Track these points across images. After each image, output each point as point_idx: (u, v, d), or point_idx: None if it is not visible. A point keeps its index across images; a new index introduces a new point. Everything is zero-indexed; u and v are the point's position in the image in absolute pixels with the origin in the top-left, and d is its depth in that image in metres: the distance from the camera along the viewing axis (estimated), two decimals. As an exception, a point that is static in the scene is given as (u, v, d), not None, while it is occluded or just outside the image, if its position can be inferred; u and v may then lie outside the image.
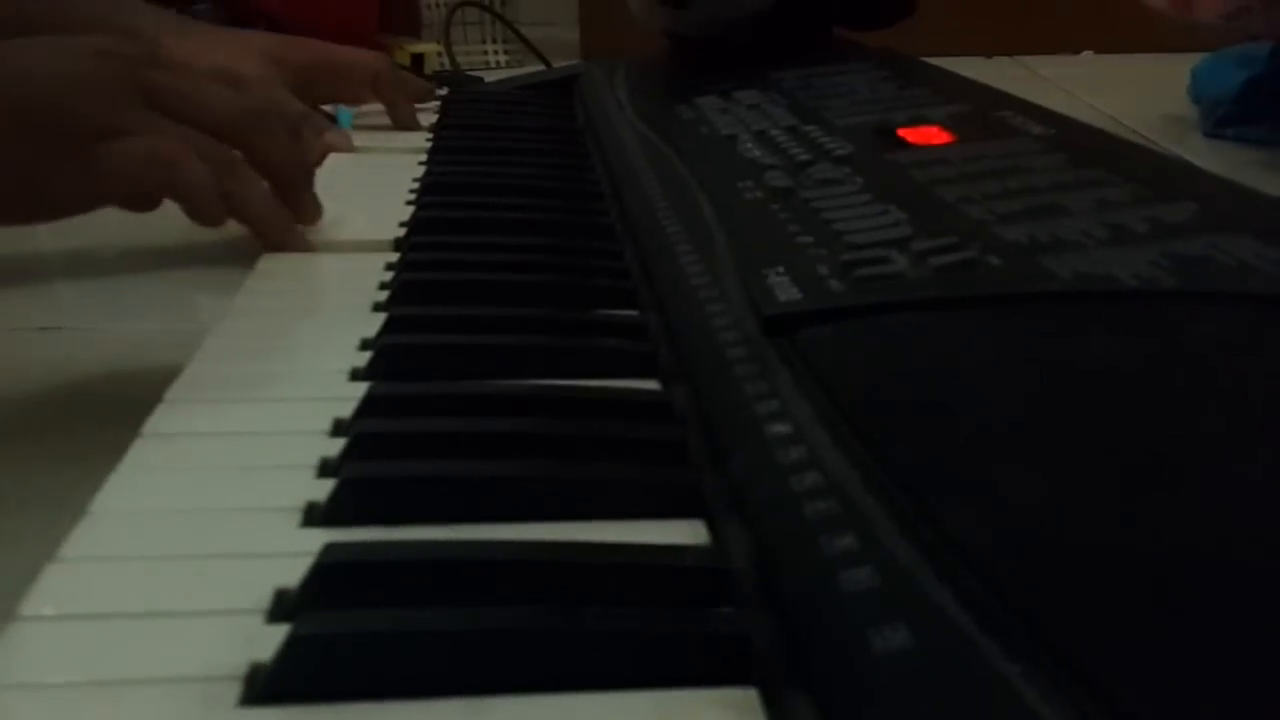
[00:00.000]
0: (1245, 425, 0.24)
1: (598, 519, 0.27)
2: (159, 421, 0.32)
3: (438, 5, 1.32)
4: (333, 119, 0.79)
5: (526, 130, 0.72)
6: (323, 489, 0.28)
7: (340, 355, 0.37)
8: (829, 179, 0.43)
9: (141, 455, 0.31)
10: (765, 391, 0.28)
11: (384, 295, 0.43)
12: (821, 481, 0.24)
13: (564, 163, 0.63)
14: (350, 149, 0.69)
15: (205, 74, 0.51)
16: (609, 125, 0.64)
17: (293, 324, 0.42)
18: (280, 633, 0.22)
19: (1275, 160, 0.80)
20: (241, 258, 0.50)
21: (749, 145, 0.50)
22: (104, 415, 0.37)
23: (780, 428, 0.27)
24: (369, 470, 0.29)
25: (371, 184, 0.62)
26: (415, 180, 0.60)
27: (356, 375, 0.36)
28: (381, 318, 0.39)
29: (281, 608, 0.24)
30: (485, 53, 1.31)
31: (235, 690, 0.22)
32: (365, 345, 0.38)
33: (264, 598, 0.24)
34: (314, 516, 0.27)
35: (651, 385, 0.35)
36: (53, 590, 0.24)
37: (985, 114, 0.50)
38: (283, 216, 0.50)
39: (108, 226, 0.52)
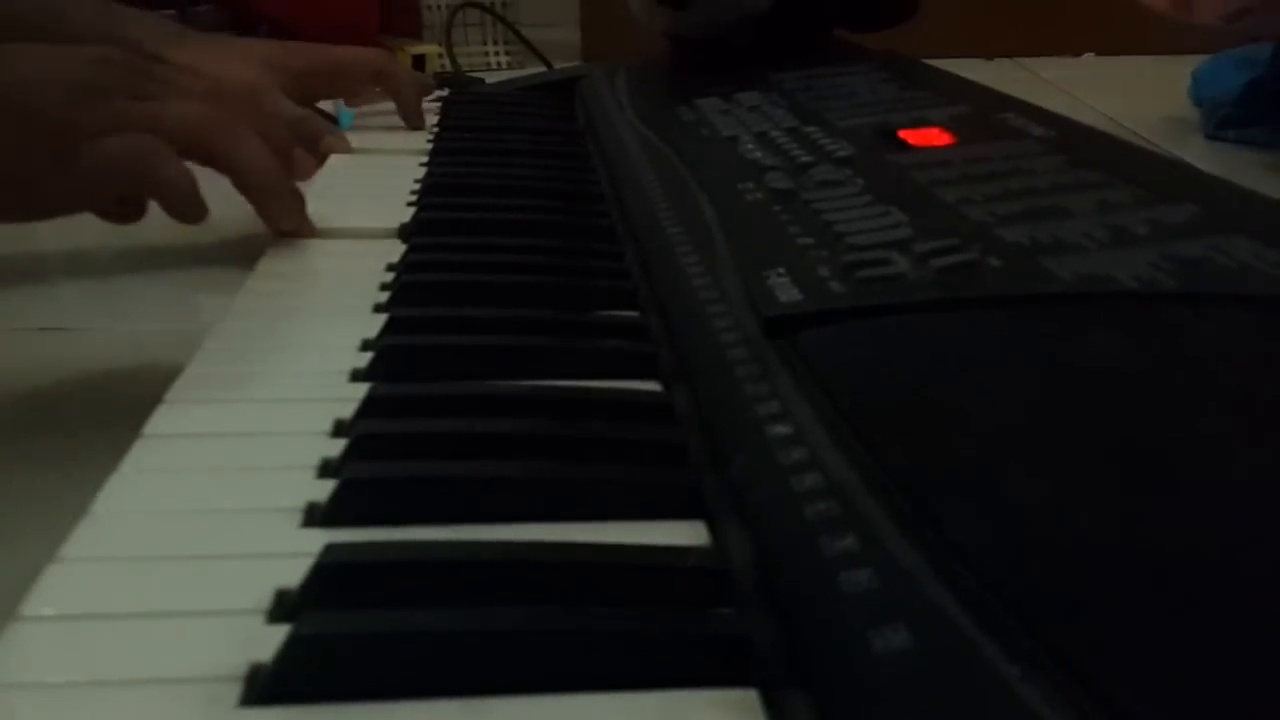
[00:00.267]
0: (1245, 427, 0.24)
1: (598, 520, 0.27)
2: (160, 422, 0.32)
3: (439, 7, 1.32)
4: (333, 119, 0.79)
5: (527, 131, 0.72)
6: (323, 489, 0.28)
7: (341, 356, 0.37)
8: (830, 180, 0.43)
9: (142, 456, 0.31)
10: (766, 393, 0.28)
11: (385, 296, 0.43)
12: (822, 483, 0.24)
13: (565, 164, 0.63)
14: (348, 150, 0.69)
15: (199, 87, 0.51)
16: (610, 126, 0.64)
17: (293, 325, 0.42)
18: (281, 633, 0.22)
19: (1276, 162, 0.80)
20: (242, 258, 0.50)
21: (750, 147, 0.50)
22: (105, 416, 0.37)
23: (781, 429, 0.27)
24: (370, 471, 0.29)
25: (372, 185, 0.62)
26: (416, 181, 0.60)
27: (357, 376, 0.36)
28: (382, 319, 0.39)
29: (282, 608, 0.24)
30: (486, 54, 1.31)
31: (235, 690, 0.22)
32: (366, 346, 0.38)
33: (264, 598, 0.24)
34: (314, 517, 0.27)
35: (652, 386, 0.35)
36: (53, 590, 0.24)
37: (986, 116, 0.51)
38: (280, 183, 0.50)
39: (109, 227, 0.52)
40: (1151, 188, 0.38)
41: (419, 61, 1.07)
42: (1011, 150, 0.44)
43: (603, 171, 0.60)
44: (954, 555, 0.20)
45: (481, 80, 0.98)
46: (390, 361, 0.36)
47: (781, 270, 0.34)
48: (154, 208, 0.49)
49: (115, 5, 0.73)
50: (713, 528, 0.27)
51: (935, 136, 0.48)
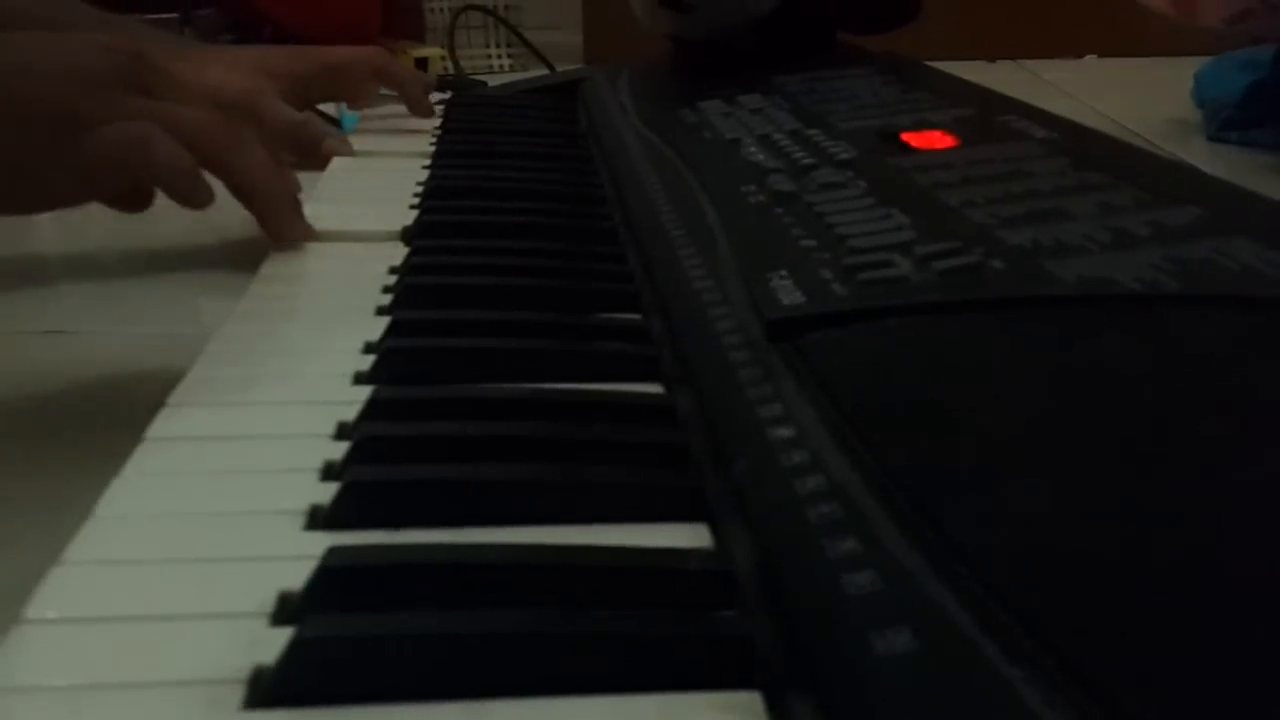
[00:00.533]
0: (1248, 429, 0.24)
1: (601, 522, 0.27)
2: (163, 425, 0.32)
3: (441, 10, 1.33)
4: (335, 122, 0.79)
5: (530, 134, 0.72)
6: (326, 492, 0.28)
7: (344, 359, 0.37)
8: (832, 183, 0.43)
9: (145, 459, 0.31)
10: (768, 395, 0.28)
11: (387, 299, 0.43)
12: (824, 485, 0.24)
13: (567, 167, 0.63)
14: (350, 153, 0.69)
15: (196, 90, 0.51)
16: (612, 129, 0.64)
17: (296, 328, 0.42)
18: (284, 636, 0.22)
19: (1279, 164, 0.80)
20: (245, 261, 0.50)
21: (752, 149, 0.50)
22: (108, 419, 0.37)
23: (783, 431, 0.27)
24: (372, 474, 0.29)
25: (375, 188, 0.62)
26: (419, 184, 0.60)
27: (360, 379, 0.36)
28: (385, 321, 0.39)
29: (285, 611, 0.24)
30: (489, 57, 1.31)
31: (239, 693, 0.22)
32: (369, 349, 0.38)
33: (267, 601, 0.24)
34: (317, 520, 0.27)
35: (655, 389, 0.35)
36: (57, 593, 0.25)
37: (989, 118, 0.51)
38: (283, 196, 0.49)
39: (112, 230, 0.52)
40: (1154, 190, 0.38)
41: (422, 64, 1.07)
42: (1014, 152, 0.44)
43: (605, 174, 0.60)
44: (956, 557, 0.21)
45: (484, 83, 0.99)
46: (393, 364, 0.36)
47: (784, 273, 0.34)
48: (162, 207, 0.49)
49: (113, 16, 0.73)
50: (715, 530, 0.27)
51: (938, 139, 0.48)
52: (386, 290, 0.44)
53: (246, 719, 0.21)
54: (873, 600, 0.20)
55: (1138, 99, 0.99)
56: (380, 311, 0.42)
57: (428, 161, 0.66)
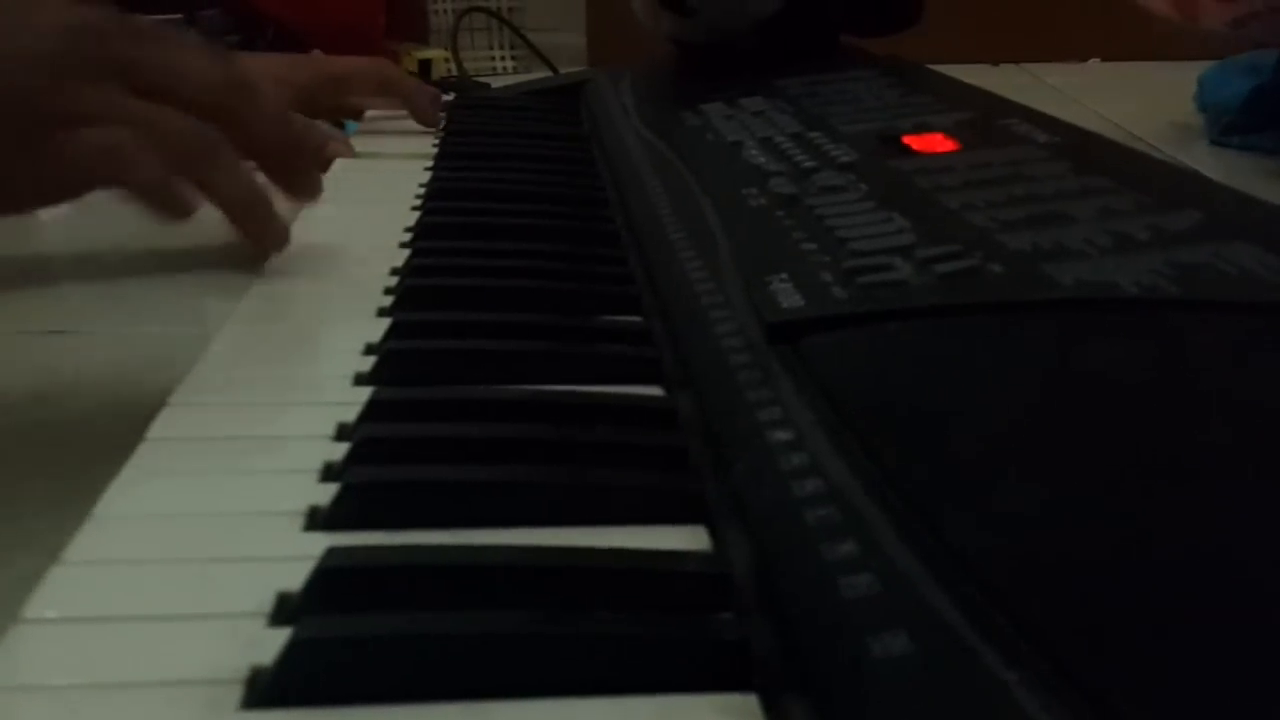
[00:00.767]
0: (1247, 434, 0.24)
1: (600, 524, 0.27)
2: (164, 425, 0.33)
3: (445, 11, 1.33)
4: (339, 124, 0.79)
5: (533, 136, 0.72)
6: (326, 493, 0.28)
7: (344, 360, 0.37)
8: (833, 186, 0.43)
9: (146, 459, 0.31)
10: (768, 398, 0.28)
11: (388, 300, 0.43)
12: (823, 488, 0.24)
13: (570, 169, 0.63)
14: (351, 154, 0.69)
15: (187, 43, 0.48)
16: (614, 131, 0.64)
17: (297, 328, 0.42)
18: (282, 636, 0.22)
19: (1281, 169, 0.80)
20: (247, 262, 0.50)
21: (754, 152, 0.50)
22: (109, 419, 0.38)
23: (782, 434, 0.27)
24: (372, 475, 0.29)
25: (377, 189, 0.62)
26: (421, 185, 0.60)
27: (360, 380, 0.36)
28: (386, 322, 0.40)
29: (284, 611, 0.24)
30: (492, 59, 1.31)
31: (237, 693, 0.22)
32: (370, 350, 0.38)
33: (266, 601, 0.24)
34: (317, 520, 0.28)
35: (655, 391, 0.35)
36: (56, 593, 0.25)
37: (990, 121, 0.51)
38: (262, 206, 0.47)
39: (115, 230, 0.52)
40: (1155, 194, 0.38)
41: (425, 66, 1.07)
42: (1015, 156, 0.44)
43: (607, 176, 0.60)
44: (954, 561, 0.21)
45: (487, 85, 0.99)
46: (393, 365, 0.36)
47: (784, 276, 0.34)
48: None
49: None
50: (714, 533, 0.27)
51: (939, 142, 0.48)
52: (388, 292, 0.44)
53: (244, 719, 0.21)
54: (870, 603, 0.20)
55: (1140, 103, 0.99)
56: (381, 313, 0.42)
57: (430, 163, 0.66)
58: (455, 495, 0.28)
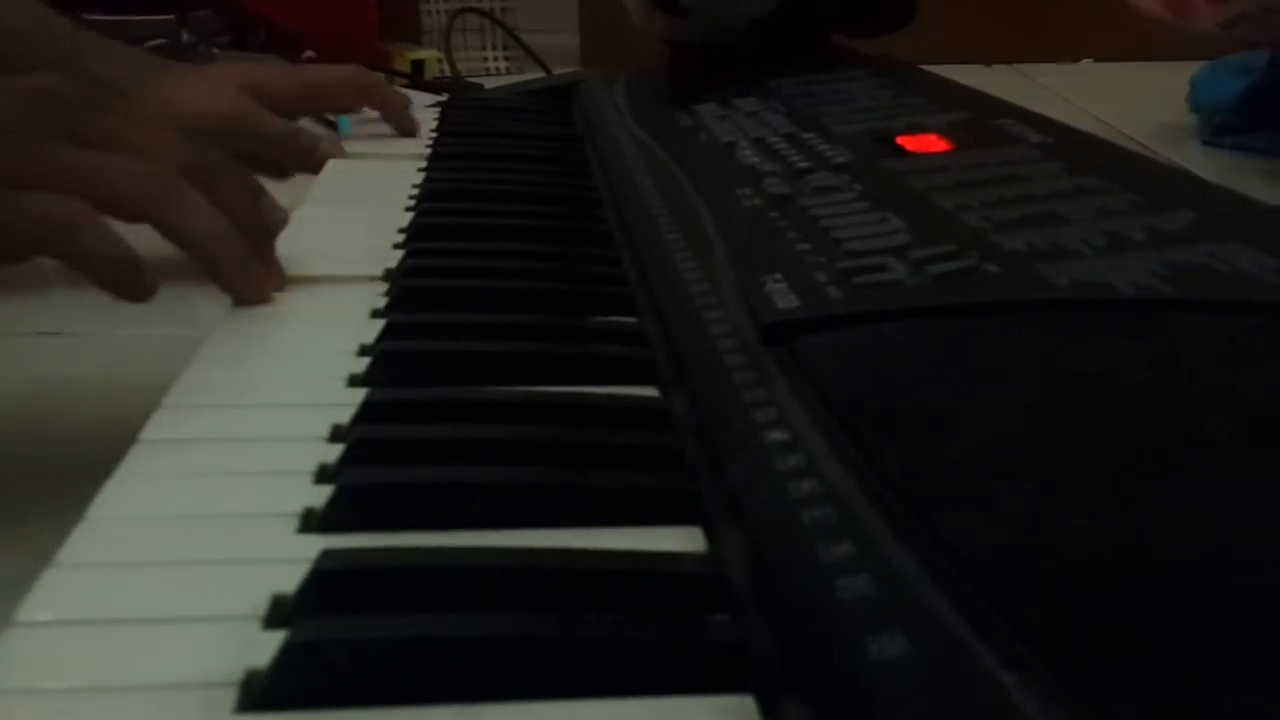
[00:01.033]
0: (1243, 434, 0.24)
1: (595, 525, 0.27)
2: (157, 427, 0.32)
3: (438, 12, 1.33)
4: (332, 125, 0.79)
5: (526, 137, 0.72)
6: (320, 495, 0.28)
7: (338, 361, 0.37)
8: (827, 186, 0.43)
9: (139, 461, 0.31)
10: (763, 399, 0.28)
11: (382, 301, 0.43)
12: (819, 489, 0.24)
13: (563, 170, 0.63)
14: (341, 155, 0.69)
15: (163, 122, 0.45)
16: (608, 132, 0.64)
17: (291, 330, 0.42)
18: (277, 639, 0.22)
19: (1273, 169, 0.80)
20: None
21: (748, 152, 0.50)
22: (102, 420, 0.37)
23: (778, 435, 0.27)
24: (367, 476, 0.29)
25: (371, 190, 0.62)
26: (415, 186, 0.60)
27: (354, 381, 0.35)
28: (380, 324, 0.39)
29: (278, 614, 0.24)
30: (485, 59, 1.31)
31: (231, 696, 0.21)
32: (364, 351, 0.38)
33: (261, 604, 0.24)
34: (311, 522, 0.27)
35: (650, 392, 0.35)
36: (49, 596, 0.24)
37: (984, 122, 0.51)
38: (232, 249, 0.43)
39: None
40: (1149, 194, 0.38)
41: (418, 66, 1.07)
42: (1009, 156, 0.44)
43: (601, 177, 0.60)
44: (951, 562, 0.21)
45: (480, 85, 0.99)
46: (387, 367, 0.36)
47: (779, 276, 0.34)
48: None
49: (88, 34, 0.69)
50: (709, 534, 0.27)
51: (933, 143, 0.48)
52: (382, 293, 0.44)
53: (239, 722, 0.21)
54: (867, 605, 0.20)
55: (1133, 103, 0.99)
56: (375, 314, 0.42)
57: (424, 164, 0.66)
58: (450, 497, 0.28)
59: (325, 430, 0.32)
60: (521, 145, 0.69)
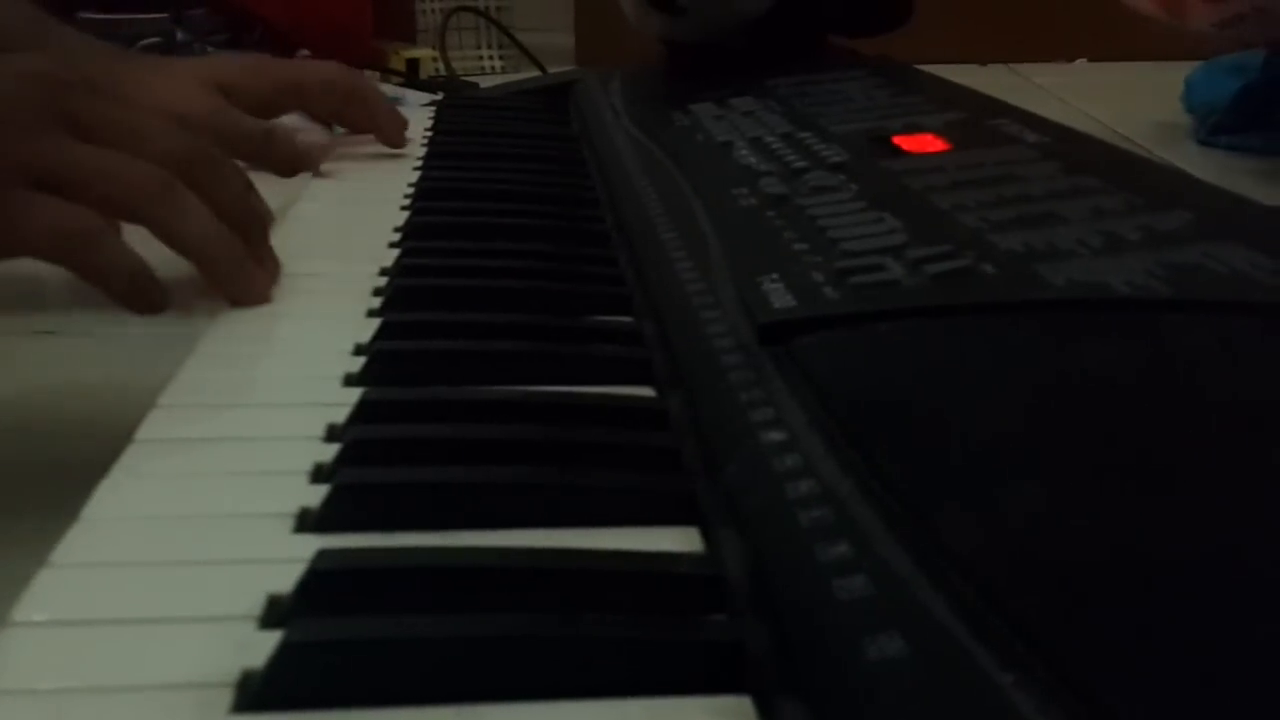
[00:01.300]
0: (1239, 434, 0.24)
1: (591, 525, 0.27)
2: (152, 427, 0.32)
3: (433, 10, 1.33)
4: (328, 125, 0.77)
5: (522, 136, 0.72)
6: (316, 494, 0.28)
7: (334, 360, 0.37)
8: (824, 186, 0.43)
9: (134, 460, 0.31)
10: (760, 399, 0.28)
11: (378, 301, 0.43)
12: (816, 489, 0.24)
13: (559, 169, 0.63)
14: (322, 158, 0.65)
15: (151, 110, 0.45)
16: (604, 132, 0.64)
17: (286, 329, 0.42)
18: (273, 639, 0.22)
19: (1269, 169, 0.80)
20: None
21: (744, 152, 0.50)
22: (97, 420, 0.37)
23: (775, 435, 0.27)
24: (362, 476, 0.29)
25: (366, 189, 0.62)
26: (410, 185, 0.60)
27: (350, 380, 0.35)
28: (375, 323, 0.39)
29: (274, 614, 0.24)
30: (481, 58, 1.31)
31: (227, 697, 0.21)
32: (359, 350, 0.38)
33: (256, 604, 0.24)
34: (307, 522, 0.27)
35: (646, 392, 0.35)
36: (44, 596, 0.24)
37: (980, 122, 0.51)
38: (228, 253, 0.43)
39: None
40: (1145, 194, 0.38)
41: (413, 65, 1.07)
42: (1005, 156, 0.44)
43: (597, 176, 0.60)
44: (948, 562, 0.20)
45: (476, 84, 0.99)
46: (383, 366, 0.36)
47: (776, 276, 0.34)
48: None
49: (49, 19, 0.66)
50: (706, 534, 0.27)
51: (929, 143, 0.48)
52: (377, 292, 0.44)
53: (235, 723, 0.21)
54: (864, 605, 0.20)
55: (1128, 103, 0.99)
56: (371, 313, 0.42)
57: (419, 162, 0.66)
58: (446, 497, 0.28)
59: (321, 430, 0.32)
60: (517, 144, 0.69)
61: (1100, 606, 0.19)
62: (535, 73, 1.02)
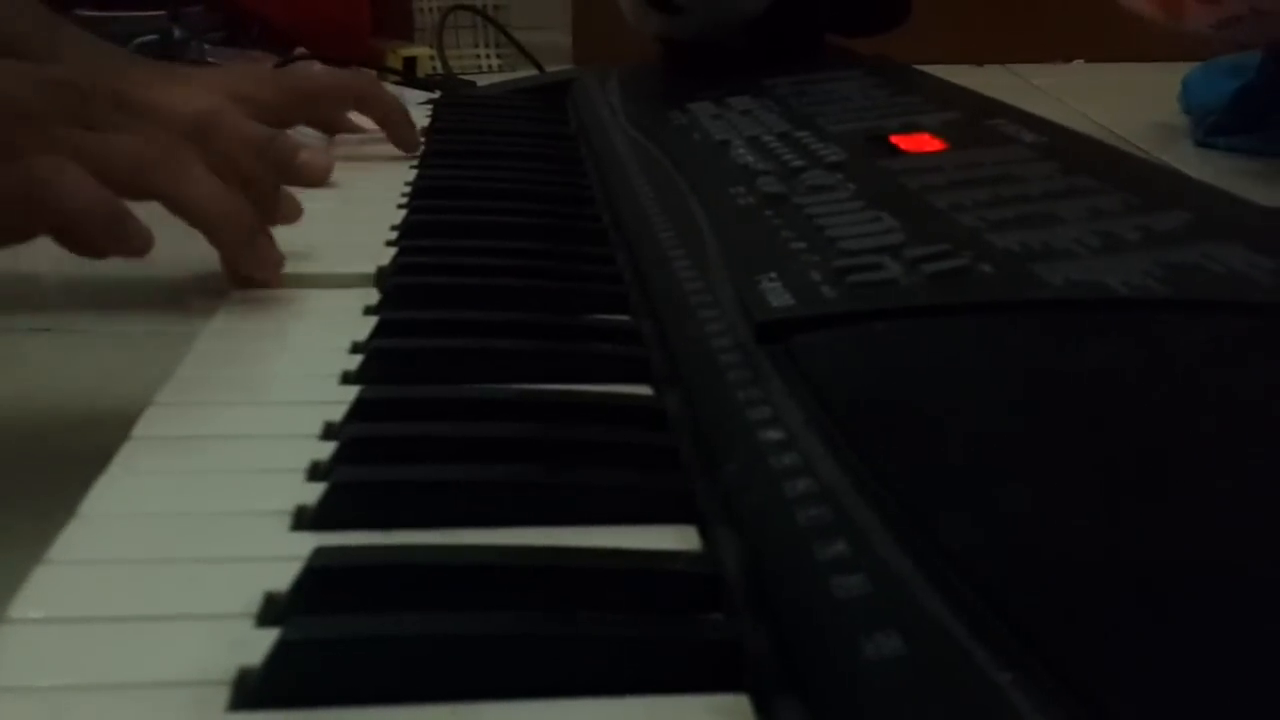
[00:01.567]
0: (1237, 434, 0.24)
1: (589, 524, 0.27)
2: (149, 424, 0.32)
3: (431, 9, 1.32)
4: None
5: (519, 135, 0.72)
6: (313, 492, 0.28)
7: (331, 358, 0.37)
8: (822, 185, 0.43)
9: (131, 457, 0.31)
10: (757, 397, 0.28)
11: (375, 298, 0.43)
12: (814, 488, 0.24)
13: (557, 167, 0.63)
14: (328, 166, 0.63)
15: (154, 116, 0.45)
16: (602, 130, 0.64)
17: (284, 327, 0.42)
18: (269, 637, 0.22)
19: (1266, 170, 0.80)
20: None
21: (742, 151, 0.50)
22: (94, 417, 0.37)
23: (772, 434, 0.27)
24: (359, 474, 0.29)
25: (364, 187, 0.61)
26: (407, 184, 0.60)
27: (347, 378, 0.35)
28: (373, 321, 0.39)
29: (271, 611, 0.24)
30: (478, 57, 1.31)
31: (224, 694, 0.21)
32: (356, 348, 0.37)
33: (253, 601, 0.24)
34: (304, 520, 0.27)
35: (644, 390, 0.35)
36: (41, 593, 0.24)
37: (977, 122, 0.51)
38: (239, 221, 0.43)
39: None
40: (1142, 195, 0.38)
41: (410, 63, 1.07)
42: (1003, 156, 0.44)
43: (594, 175, 0.60)
44: (946, 561, 0.20)
45: (473, 83, 0.98)
46: (380, 364, 0.36)
47: (773, 275, 0.34)
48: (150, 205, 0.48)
49: (60, 19, 0.66)
50: (704, 533, 0.27)
51: (926, 142, 0.48)
52: (373, 290, 0.44)
53: (232, 720, 0.21)
54: (862, 604, 0.20)
55: (1125, 104, 0.99)
56: (368, 311, 0.42)
57: (416, 161, 0.66)
58: (443, 495, 0.28)
59: (318, 428, 0.32)
60: (514, 143, 0.69)
61: (1099, 606, 0.19)
62: (533, 71, 1.01)
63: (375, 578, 0.24)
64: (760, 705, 0.21)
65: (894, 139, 0.48)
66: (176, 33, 1.06)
